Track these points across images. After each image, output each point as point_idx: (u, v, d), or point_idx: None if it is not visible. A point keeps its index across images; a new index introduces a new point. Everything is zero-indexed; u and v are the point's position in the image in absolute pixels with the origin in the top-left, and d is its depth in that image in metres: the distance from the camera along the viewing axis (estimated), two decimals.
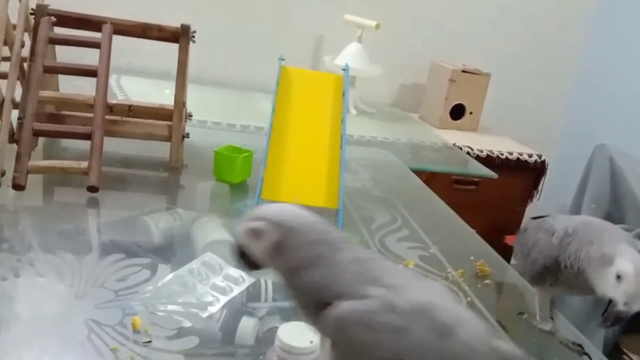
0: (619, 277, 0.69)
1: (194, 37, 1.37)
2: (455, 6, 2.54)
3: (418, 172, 1.70)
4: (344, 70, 1.41)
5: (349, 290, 0.54)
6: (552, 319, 0.91)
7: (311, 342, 0.68)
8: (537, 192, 2.25)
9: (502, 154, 2.19)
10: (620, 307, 0.69)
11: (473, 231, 1.27)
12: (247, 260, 0.60)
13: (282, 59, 1.38)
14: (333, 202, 1.21)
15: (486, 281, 1.02)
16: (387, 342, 0.52)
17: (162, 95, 1.61)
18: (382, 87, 2.53)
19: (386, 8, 2.41)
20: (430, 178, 1.85)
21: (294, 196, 1.22)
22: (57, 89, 1.37)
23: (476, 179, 2.08)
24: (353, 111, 2.28)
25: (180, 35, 1.33)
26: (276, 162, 1.24)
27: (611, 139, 2.07)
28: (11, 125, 1.12)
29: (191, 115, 1.51)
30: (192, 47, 1.34)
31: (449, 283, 1.00)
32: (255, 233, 0.58)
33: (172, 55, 1.33)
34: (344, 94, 1.36)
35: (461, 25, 2.56)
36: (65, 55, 1.34)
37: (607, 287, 0.70)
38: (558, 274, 0.82)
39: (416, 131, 2.27)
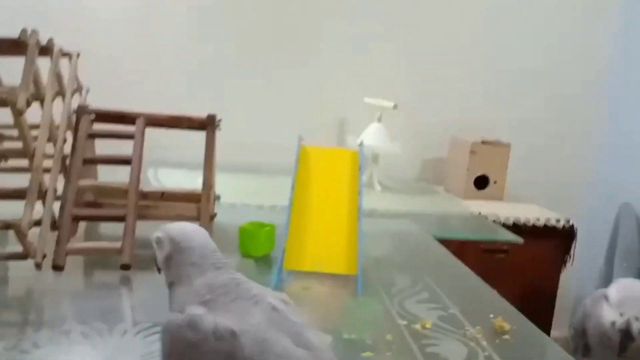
0: (606, 297, 0.69)
1: (219, 125, 1.49)
2: (469, 80, 2.65)
3: (445, 242, 1.71)
4: (360, 146, 1.50)
5: (184, 307, 0.62)
6: None
7: None
8: (570, 257, 2.23)
9: (530, 221, 2.20)
10: (618, 322, 0.68)
11: (495, 292, 1.28)
12: (156, 264, 0.70)
13: (302, 139, 1.48)
14: (353, 269, 1.26)
15: (505, 336, 1.03)
16: (186, 356, 0.58)
17: (195, 183, 1.72)
18: (405, 163, 2.61)
19: (403, 88, 2.54)
20: (459, 248, 1.86)
21: (315, 264, 1.28)
22: (96, 178, 1.49)
23: (505, 247, 2.08)
24: (377, 187, 2.35)
25: (207, 124, 1.45)
26: (298, 233, 1.30)
27: (637, 198, 2.07)
28: (53, 214, 1.23)
29: (219, 197, 1.61)
30: (221, 135, 1.45)
31: (467, 339, 1.01)
32: (157, 241, 0.69)
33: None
34: (360, 168, 1.44)
35: (477, 98, 2.66)
36: (105, 145, 1.46)
37: (603, 316, 0.70)
38: (587, 341, 0.80)
39: (441, 202, 2.31)
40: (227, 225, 1.53)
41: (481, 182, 2.45)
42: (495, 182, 2.45)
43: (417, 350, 0.96)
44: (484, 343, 1.00)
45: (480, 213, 2.17)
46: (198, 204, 1.43)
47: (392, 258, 1.47)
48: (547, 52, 2.69)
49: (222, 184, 1.55)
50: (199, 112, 1.45)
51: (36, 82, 1.24)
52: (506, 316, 1.10)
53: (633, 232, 1.89)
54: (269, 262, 1.34)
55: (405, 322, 1.06)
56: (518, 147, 2.47)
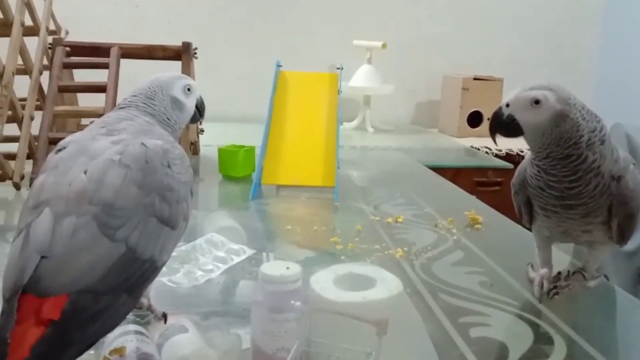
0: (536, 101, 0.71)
1: (195, 53, 1.49)
2: (459, 18, 2.62)
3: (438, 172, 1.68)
4: (339, 69, 1.49)
5: None
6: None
7: (287, 267, 0.72)
8: None
9: (523, 151, 2.18)
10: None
11: (473, 197, 1.28)
12: None
13: (279, 65, 1.48)
14: (330, 181, 1.26)
15: (477, 226, 1.03)
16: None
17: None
18: (398, 106, 2.59)
19: (392, 30, 2.51)
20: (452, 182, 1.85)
21: (293, 179, 1.29)
22: None
23: (499, 179, 2.07)
24: (370, 130, 2.34)
25: (183, 52, 1.45)
26: (276, 150, 1.31)
27: (627, 118, 2.05)
28: (31, 138, 1.24)
29: (203, 131, 1.61)
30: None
31: (438, 229, 1.01)
32: None
33: None
34: (339, 92, 1.44)
35: (468, 37, 2.62)
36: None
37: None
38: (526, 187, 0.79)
39: (433, 139, 2.30)
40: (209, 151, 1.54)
41: (475, 120, 2.42)
42: (488, 119, 2.42)
43: (386, 236, 0.97)
44: (455, 231, 1.00)
45: (471, 146, 2.16)
46: None
47: (375, 177, 1.48)
48: None
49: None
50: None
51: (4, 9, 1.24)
52: (481, 212, 1.10)
53: (624, 149, 1.86)
54: (250, 183, 1.35)
55: (377, 218, 1.07)
56: (511, 83, 2.44)
